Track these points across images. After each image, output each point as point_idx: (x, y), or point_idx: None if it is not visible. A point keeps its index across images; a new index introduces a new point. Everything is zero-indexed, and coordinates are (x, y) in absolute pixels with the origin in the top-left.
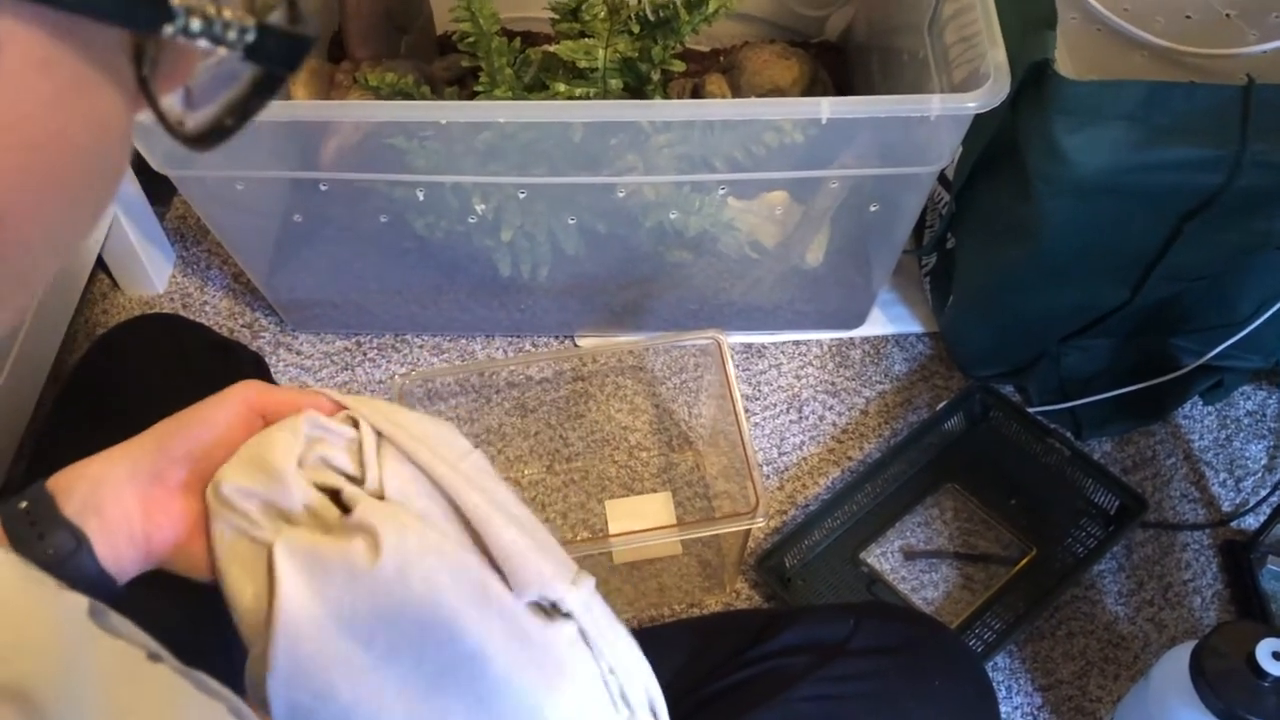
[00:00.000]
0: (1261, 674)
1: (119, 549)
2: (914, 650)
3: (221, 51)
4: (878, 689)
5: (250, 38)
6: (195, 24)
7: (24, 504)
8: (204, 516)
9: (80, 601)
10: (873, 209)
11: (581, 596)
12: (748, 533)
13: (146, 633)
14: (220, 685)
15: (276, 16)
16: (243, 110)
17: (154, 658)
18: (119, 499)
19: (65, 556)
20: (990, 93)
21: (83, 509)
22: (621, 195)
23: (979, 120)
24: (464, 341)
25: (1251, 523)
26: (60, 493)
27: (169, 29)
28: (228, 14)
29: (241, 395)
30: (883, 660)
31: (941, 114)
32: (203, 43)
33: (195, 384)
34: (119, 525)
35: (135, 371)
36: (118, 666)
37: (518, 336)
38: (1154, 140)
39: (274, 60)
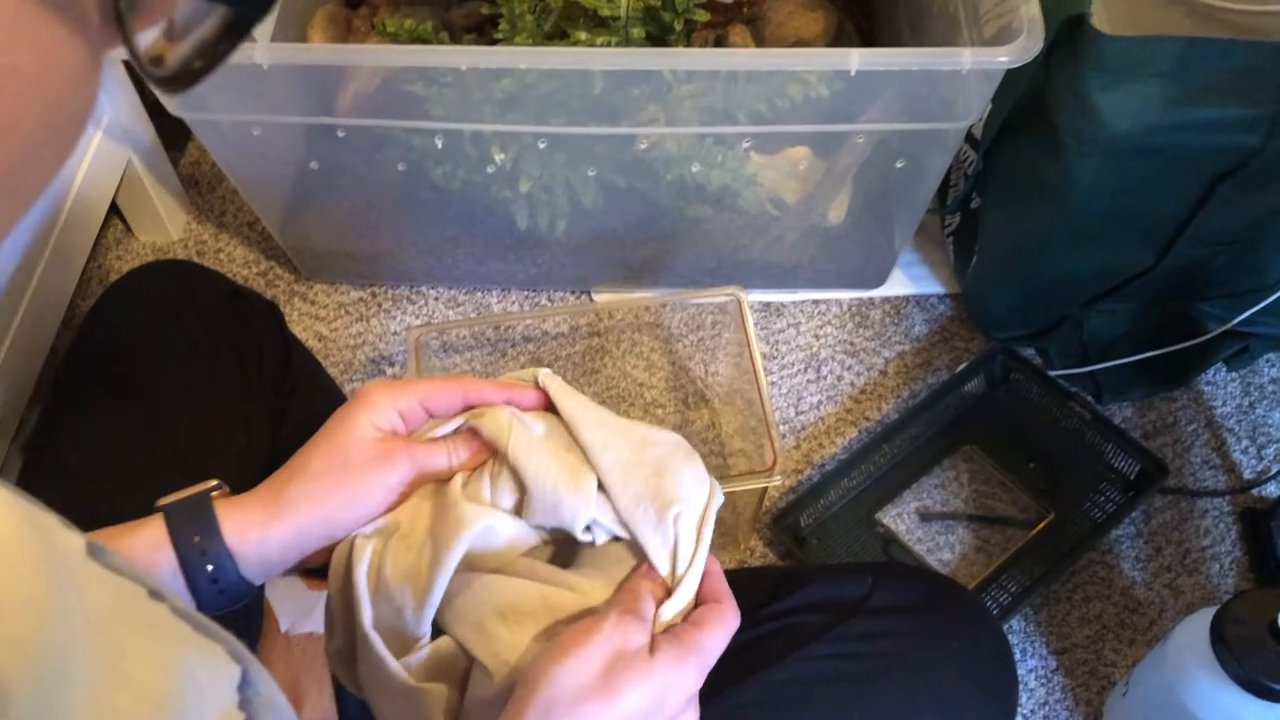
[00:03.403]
0: None
1: (262, 570)
2: (933, 611)
3: None
4: (896, 648)
5: None
6: None
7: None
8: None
9: (77, 542)
10: (898, 165)
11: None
12: (763, 491)
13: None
14: (220, 628)
15: None
16: (211, 53)
17: (155, 595)
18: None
19: (216, 563)
20: (1023, 47)
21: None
22: (643, 147)
23: (1010, 76)
24: (479, 295)
25: (1273, 490)
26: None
27: None
28: None
29: (401, 472)
30: (901, 620)
31: (973, 68)
32: None
33: (209, 333)
34: (269, 559)
35: (148, 318)
36: (115, 605)
37: (534, 291)
38: (1190, 99)
39: (243, 1)
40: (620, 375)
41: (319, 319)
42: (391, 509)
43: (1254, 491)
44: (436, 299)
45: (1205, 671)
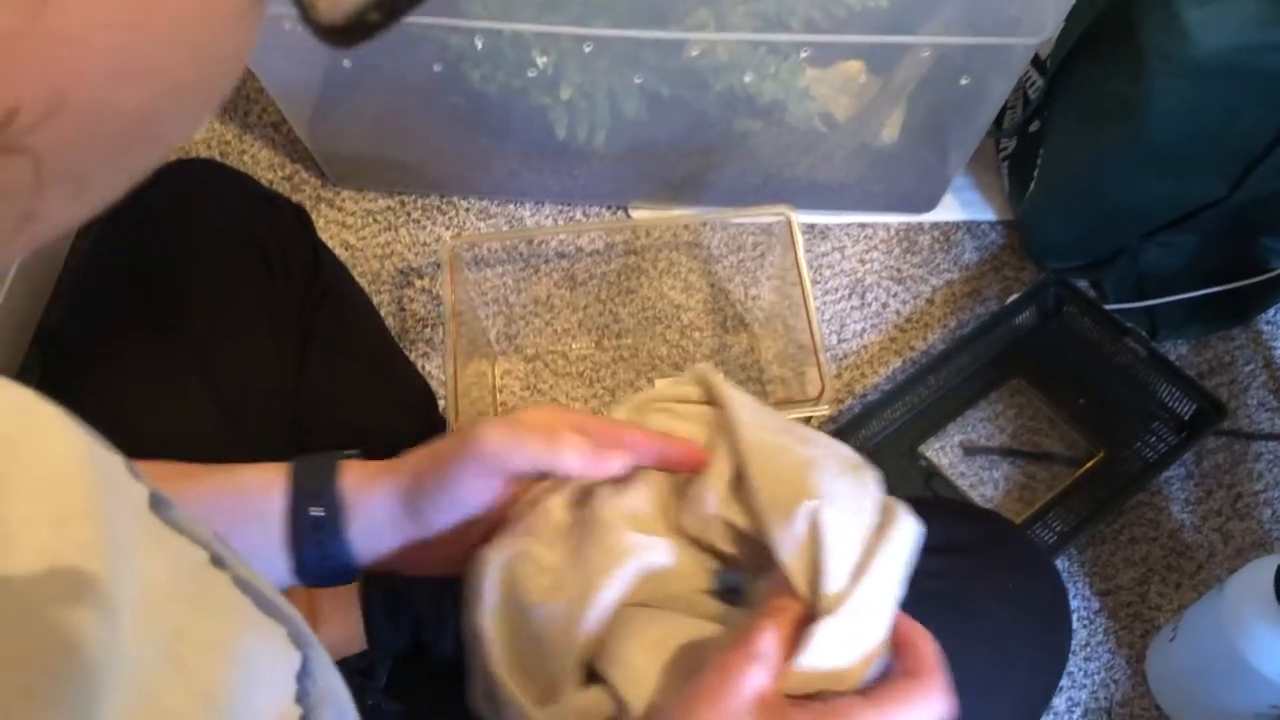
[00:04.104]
0: None
1: (366, 532)
2: (987, 550)
3: None
4: (949, 588)
5: None
6: None
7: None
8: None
9: (142, 491)
10: (963, 82)
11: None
12: (807, 421)
13: None
14: (286, 603)
15: None
16: (392, 4)
17: (218, 561)
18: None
19: (323, 528)
20: None
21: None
22: (695, 54)
23: None
24: (511, 207)
25: None
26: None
27: None
28: None
29: (501, 491)
30: (954, 559)
31: None
32: None
33: (237, 238)
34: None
35: (174, 218)
36: (173, 574)
37: (568, 205)
38: None
39: None
40: (657, 296)
41: (346, 226)
42: (506, 502)
43: None
44: (467, 210)
45: (1265, 621)
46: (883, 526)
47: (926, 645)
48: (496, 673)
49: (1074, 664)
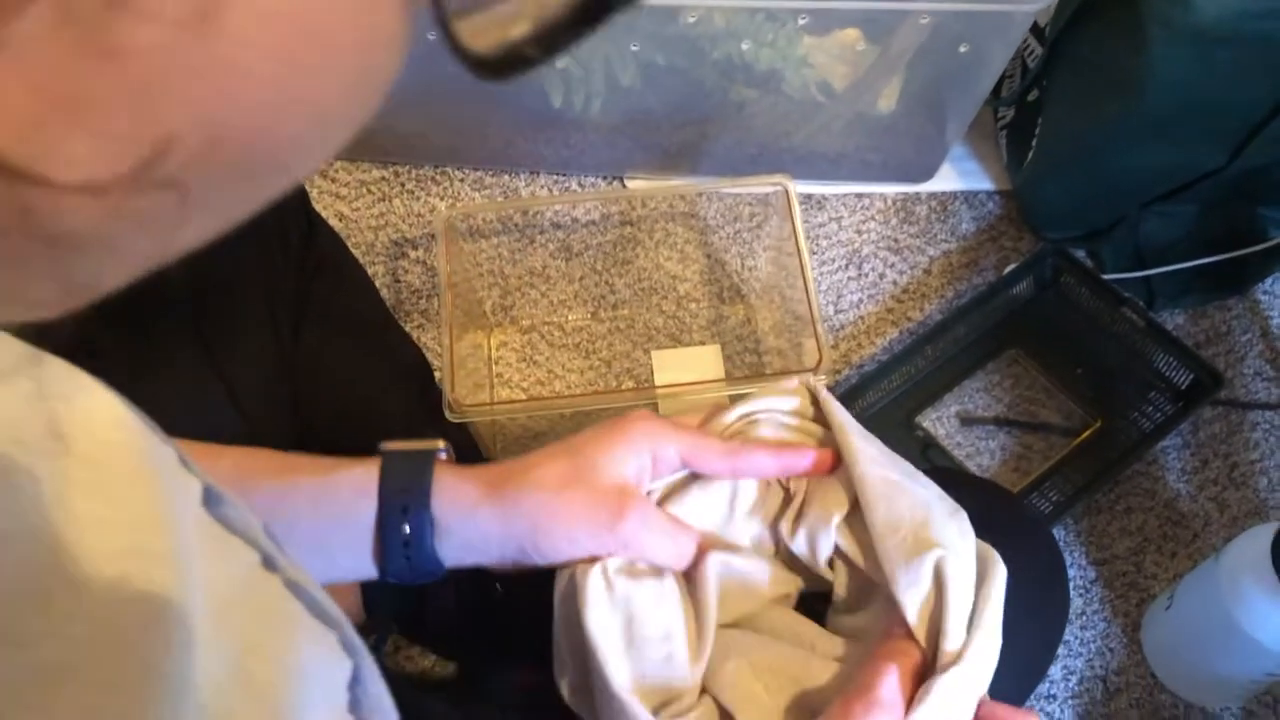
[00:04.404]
0: None
1: (458, 550)
2: (985, 518)
3: None
4: None
5: None
6: None
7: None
8: None
9: (194, 486)
10: (961, 50)
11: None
12: None
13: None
14: (334, 606)
15: None
16: (550, 39)
17: (269, 564)
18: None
19: (415, 527)
20: None
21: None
22: (691, 21)
23: None
24: (506, 177)
25: None
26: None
27: None
28: None
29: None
30: None
31: None
32: None
33: None
34: (470, 541)
35: None
36: (230, 578)
37: (564, 175)
38: None
39: None
40: (653, 266)
41: (339, 197)
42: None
43: None
44: (462, 180)
45: (1262, 588)
46: (983, 576)
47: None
48: (623, 698)
49: (1070, 633)
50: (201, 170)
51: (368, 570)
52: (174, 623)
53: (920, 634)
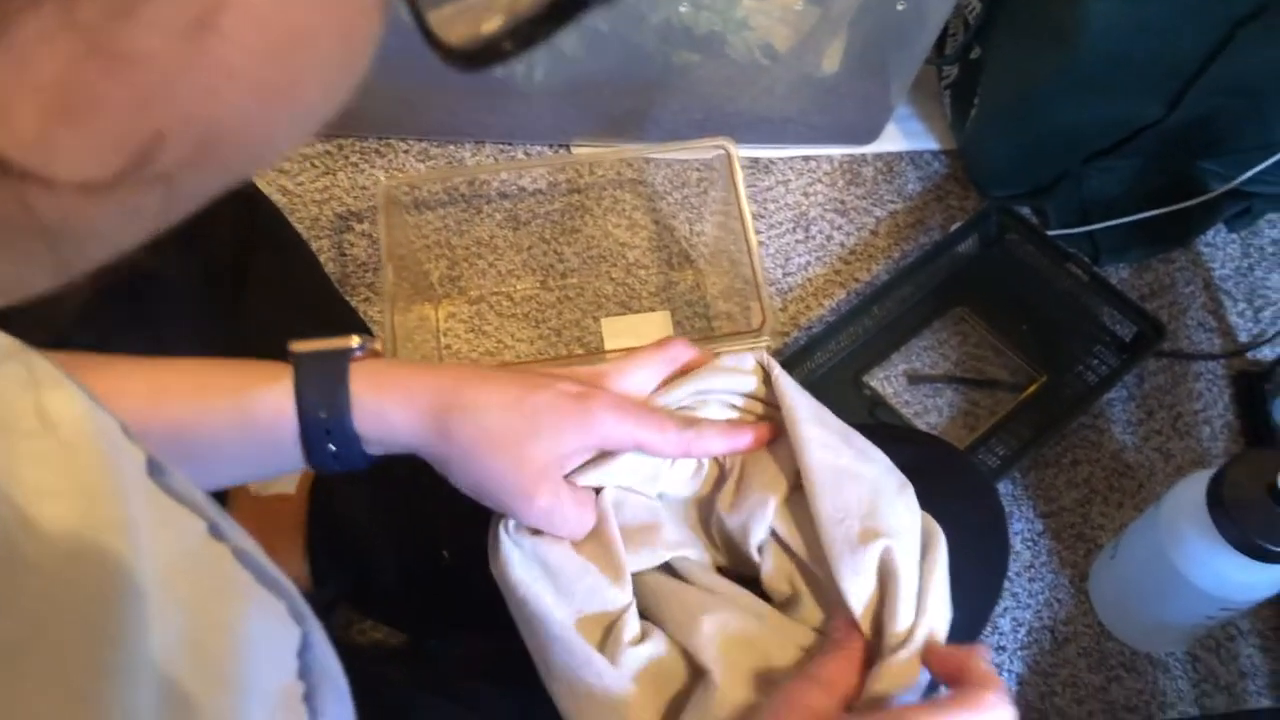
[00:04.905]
0: None
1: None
2: (926, 472)
3: None
4: None
5: None
6: None
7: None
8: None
9: (138, 455)
10: (900, 8)
11: None
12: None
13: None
14: (282, 575)
15: None
16: (527, 33)
17: (215, 532)
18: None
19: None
20: None
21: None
22: None
23: None
24: (452, 148)
25: (1268, 354)
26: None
27: None
28: None
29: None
30: None
31: None
32: None
33: None
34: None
35: None
36: (178, 549)
37: (510, 144)
38: None
39: None
40: (601, 235)
41: (283, 172)
42: None
43: (1249, 355)
44: (406, 152)
45: (1199, 534)
46: (927, 548)
47: (976, 649)
48: (566, 637)
49: (1018, 585)
50: (189, 165)
51: (296, 470)
52: (130, 593)
53: (865, 623)
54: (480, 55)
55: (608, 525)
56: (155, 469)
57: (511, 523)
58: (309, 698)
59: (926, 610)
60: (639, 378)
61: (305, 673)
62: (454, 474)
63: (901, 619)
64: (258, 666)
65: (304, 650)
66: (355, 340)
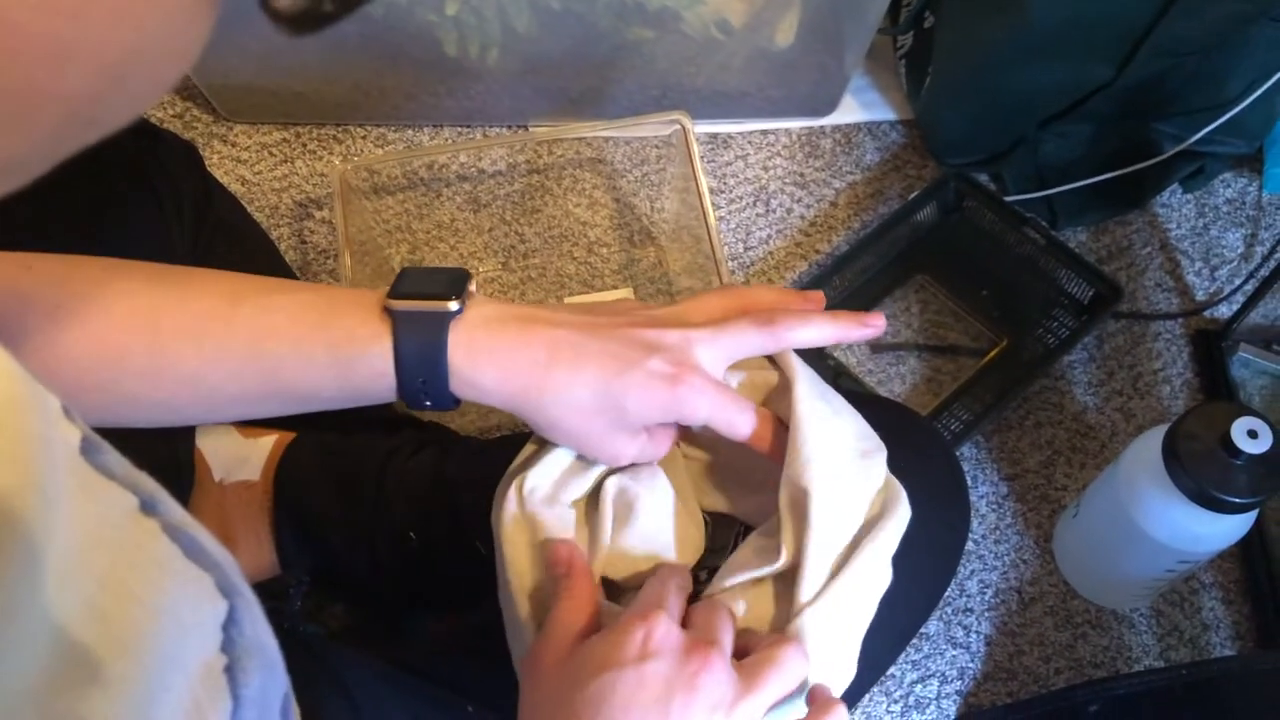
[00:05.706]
0: (1235, 452)
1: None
2: (889, 439)
3: None
4: None
5: None
6: None
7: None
8: None
9: (74, 434)
10: None
11: None
12: None
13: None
14: (216, 549)
15: None
16: None
17: (147, 509)
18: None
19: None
20: None
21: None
22: None
23: None
24: (410, 132)
25: (1225, 311)
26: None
27: None
28: None
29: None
30: None
31: None
32: None
33: (123, 175)
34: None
35: None
36: (99, 522)
37: (468, 127)
38: None
39: None
40: (562, 214)
41: (241, 161)
42: None
43: (1206, 314)
44: (364, 137)
45: (1156, 487)
46: (887, 511)
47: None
48: (513, 585)
49: (984, 547)
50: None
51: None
52: (22, 544)
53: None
54: (304, 19)
55: (603, 513)
56: (90, 448)
57: (527, 482)
58: (229, 669)
59: (849, 571)
60: (729, 352)
61: (229, 645)
62: (540, 431)
63: (807, 586)
64: (172, 638)
65: (230, 624)
66: (454, 304)
